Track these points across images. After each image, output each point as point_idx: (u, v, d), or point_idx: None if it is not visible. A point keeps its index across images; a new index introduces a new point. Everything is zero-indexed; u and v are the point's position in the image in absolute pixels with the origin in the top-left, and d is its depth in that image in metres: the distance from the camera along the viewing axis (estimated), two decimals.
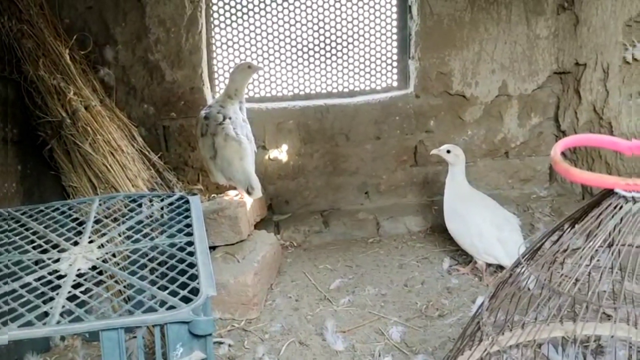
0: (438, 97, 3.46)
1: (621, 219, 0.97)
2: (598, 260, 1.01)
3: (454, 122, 3.51)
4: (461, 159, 2.82)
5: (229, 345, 2.36)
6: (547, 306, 1.18)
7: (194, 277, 1.53)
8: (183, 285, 1.49)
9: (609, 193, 1.04)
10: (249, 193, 2.75)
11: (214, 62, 3.35)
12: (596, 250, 0.99)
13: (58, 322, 1.33)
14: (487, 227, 2.68)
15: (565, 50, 3.36)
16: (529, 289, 1.31)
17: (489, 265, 2.75)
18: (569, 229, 1.16)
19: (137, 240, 1.83)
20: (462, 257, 2.99)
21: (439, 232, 3.32)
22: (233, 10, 3.29)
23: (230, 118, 2.78)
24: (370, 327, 2.44)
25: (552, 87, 3.52)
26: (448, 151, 2.83)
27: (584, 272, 1.00)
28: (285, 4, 3.31)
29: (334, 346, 2.31)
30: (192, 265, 1.61)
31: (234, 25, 3.31)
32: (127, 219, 1.96)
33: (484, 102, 3.49)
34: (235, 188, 2.90)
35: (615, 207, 0.99)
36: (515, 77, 3.46)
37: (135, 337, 2.14)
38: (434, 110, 3.48)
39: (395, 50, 3.48)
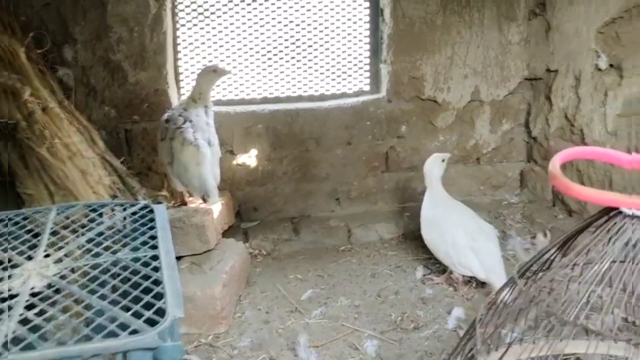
0: (410, 102, 3.41)
1: (627, 242, 0.91)
2: (601, 288, 0.94)
3: (426, 127, 3.47)
4: (435, 169, 2.80)
5: None
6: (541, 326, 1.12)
7: (159, 296, 1.41)
8: (148, 305, 1.37)
9: (611, 210, 0.98)
10: (204, 200, 2.66)
11: (180, 63, 3.22)
12: (603, 273, 0.93)
13: (8, 350, 1.20)
14: (461, 236, 2.63)
15: (537, 57, 3.35)
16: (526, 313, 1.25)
17: (463, 275, 2.70)
18: (565, 249, 1.09)
19: (97, 254, 1.69)
20: (436, 265, 2.94)
21: (411, 240, 3.26)
22: (200, 10, 3.17)
23: (191, 121, 2.66)
24: (344, 341, 2.36)
25: (523, 93, 3.51)
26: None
27: (586, 296, 0.94)
28: (255, 4, 3.21)
29: None
30: (157, 282, 1.49)
31: (202, 25, 3.19)
32: (87, 231, 1.82)
33: (456, 107, 3.45)
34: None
35: (620, 227, 0.93)
36: (488, 82, 3.44)
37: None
38: (406, 115, 3.42)
39: (367, 54, 3.42)
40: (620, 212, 0.96)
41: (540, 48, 3.32)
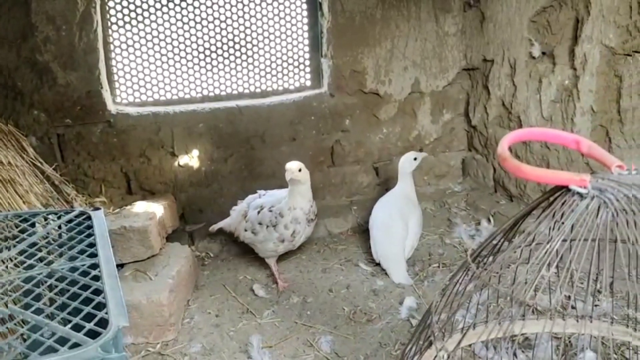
0: (353, 96, 3.40)
1: (576, 219, 0.91)
2: (555, 264, 0.95)
3: (370, 120, 3.47)
4: (406, 165, 2.93)
5: None
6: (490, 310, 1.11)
7: (101, 306, 1.33)
8: (89, 317, 1.29)
9: (560, 189, 0.98)
10: None
11: (113, 63, 3.08)
12: (556, 251, 0.93)
13: None
14: (372, 227, 2.92)
15: (473, 47, 3.42)
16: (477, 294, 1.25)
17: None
18: (514, 232, 1.10)
19: (31, 267, 1.58)
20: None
21: (360, 233, 3.26)
22: (132, 7, 3.04)
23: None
24: (298, 339, 2.32)
25: (461, 83, 3.57)
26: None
27: (541, 275, 0.94)
28: (190, 0, 3.11)
29: None
30: (98, 291, 1.41)
31: (134, 22, 3.06)
32: (17, 242, 1.70)
33: (398, 99, 3.47)
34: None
35: (570, 205, 0.94)
36: (427, 74, 3.48)
37: None
38: (349, 109, 3.42)
39: (307, 49, 3.39)
40: (569, 191, 0.97)
41: (476, 39, 3.38)
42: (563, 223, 0.92)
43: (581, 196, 0.94)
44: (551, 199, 0.99)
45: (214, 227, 3.01)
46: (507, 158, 0.99)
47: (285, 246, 2.75)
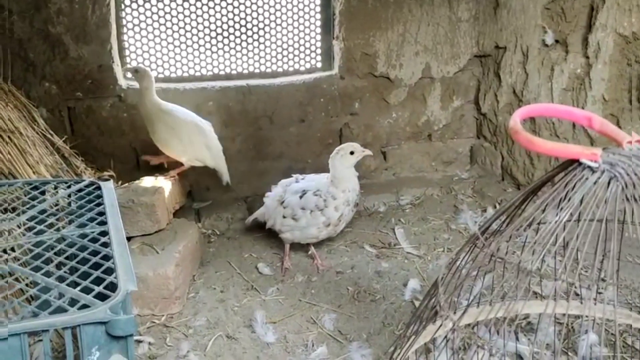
0: (363, 79, 3.39)
1: (585, 193, 0.92)
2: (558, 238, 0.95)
3: (379, 104, 3.47)
4: (148, 79, 2.74)
5: (149, 344, 2.18)
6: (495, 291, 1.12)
7: (110, 271, 1.35)
8: (98, 281, 1.31)
9: (572, 163, 0.99)
10: None
11: (125, 38, 3.08)
12: (564, 224, 0.93)
13: None
14: (196, 136, 2.82)
15: (486, 33, 3.39)
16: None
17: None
18: (528, 203, 1.10)
19: (40, 232, 1.60)
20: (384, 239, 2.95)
21: (365, 216, 3.27)
22: None
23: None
24: (302, 316, 2.34)
25: (472, 70, 3.55)
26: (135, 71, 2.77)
27: (547, 247, 0.95)
28: None
29: (265, 338, 2.18)
30: (107, 257, 1.43)
31: None
32: (28, 209, 1.72)
33: (408, 84, 3.46)
34: None
35: (580, 179, 0.94)
36: (438, 59, 3.46)
37: (41, 340, 1.91)
38: (359, 92, 3.41)
39: (318, 30, 3.38)
40: (580, 165, 0.97)
41: (489, 25, 3.36)
42: (571, 198, 0.93)
43: (592, 170, 0.94)
44: (562, 172, 1.00)
45: (249, 220, 2.96)
46: (519, 131, 0.99)
47: (328, 231, 2.68)
